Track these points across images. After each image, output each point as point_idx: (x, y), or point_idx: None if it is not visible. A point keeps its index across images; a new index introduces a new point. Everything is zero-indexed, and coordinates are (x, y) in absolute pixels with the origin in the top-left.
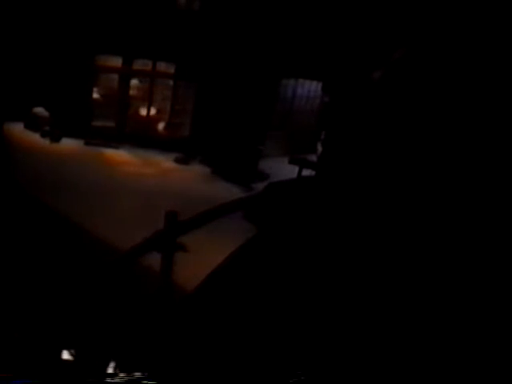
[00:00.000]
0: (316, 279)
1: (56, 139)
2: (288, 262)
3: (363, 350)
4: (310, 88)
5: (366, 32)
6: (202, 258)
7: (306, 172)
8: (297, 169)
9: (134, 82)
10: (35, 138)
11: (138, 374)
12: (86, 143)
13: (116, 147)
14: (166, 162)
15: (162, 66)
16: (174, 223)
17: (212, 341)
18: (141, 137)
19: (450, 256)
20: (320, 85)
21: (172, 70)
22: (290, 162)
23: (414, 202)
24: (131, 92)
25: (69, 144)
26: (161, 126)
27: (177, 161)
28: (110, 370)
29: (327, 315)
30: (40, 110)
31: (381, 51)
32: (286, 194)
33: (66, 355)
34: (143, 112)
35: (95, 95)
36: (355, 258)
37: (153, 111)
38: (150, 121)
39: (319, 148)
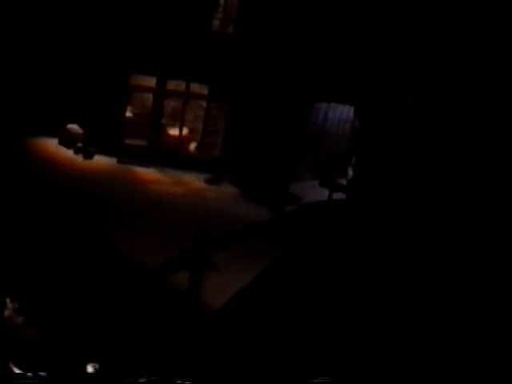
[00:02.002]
0: (342, 301)
1: (89, 156)
2: (315, 283)
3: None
4: (342, 112)
5: (398, 58)
6: (229, 277)
7: (337, 195)
8: (327, 192)
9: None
10: (69, 154)
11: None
12: (119, 161)
13: (148, 166)
14: (196, 181)
15: (195, 87)
16: (206, 240)
17: (238, 357)
18: (172, 156)
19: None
20: (351, 109)
21: (205, 91)
22: (321, 185)
23: (453, 228)
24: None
25: (101, 161)
26: (192, 145)
27: (207, 181)
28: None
29: (353, 335)
30: (74, 127)
31: (413, 76)
32: (315, 217)
33: (90, 368)
34: (175, 132)
35: (128, 114)
36: (383, 281)
37: (185, 131)
38: (182, 140)
39: (350, 172)
